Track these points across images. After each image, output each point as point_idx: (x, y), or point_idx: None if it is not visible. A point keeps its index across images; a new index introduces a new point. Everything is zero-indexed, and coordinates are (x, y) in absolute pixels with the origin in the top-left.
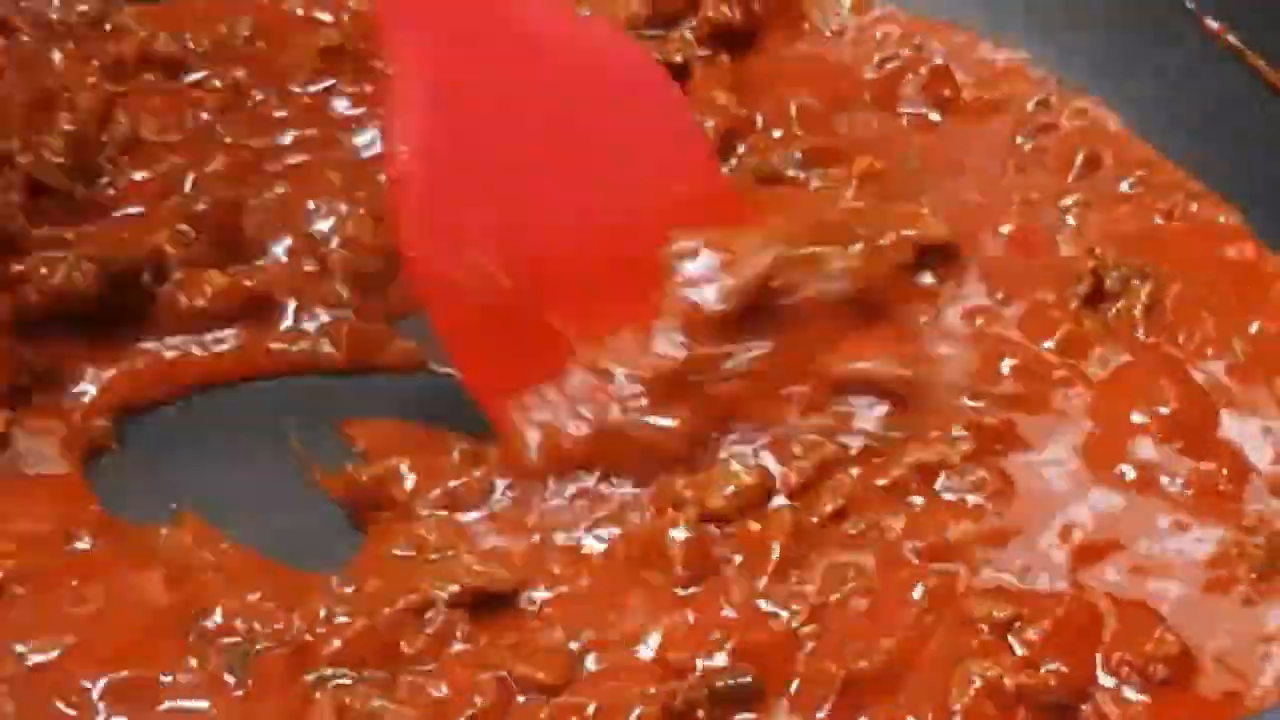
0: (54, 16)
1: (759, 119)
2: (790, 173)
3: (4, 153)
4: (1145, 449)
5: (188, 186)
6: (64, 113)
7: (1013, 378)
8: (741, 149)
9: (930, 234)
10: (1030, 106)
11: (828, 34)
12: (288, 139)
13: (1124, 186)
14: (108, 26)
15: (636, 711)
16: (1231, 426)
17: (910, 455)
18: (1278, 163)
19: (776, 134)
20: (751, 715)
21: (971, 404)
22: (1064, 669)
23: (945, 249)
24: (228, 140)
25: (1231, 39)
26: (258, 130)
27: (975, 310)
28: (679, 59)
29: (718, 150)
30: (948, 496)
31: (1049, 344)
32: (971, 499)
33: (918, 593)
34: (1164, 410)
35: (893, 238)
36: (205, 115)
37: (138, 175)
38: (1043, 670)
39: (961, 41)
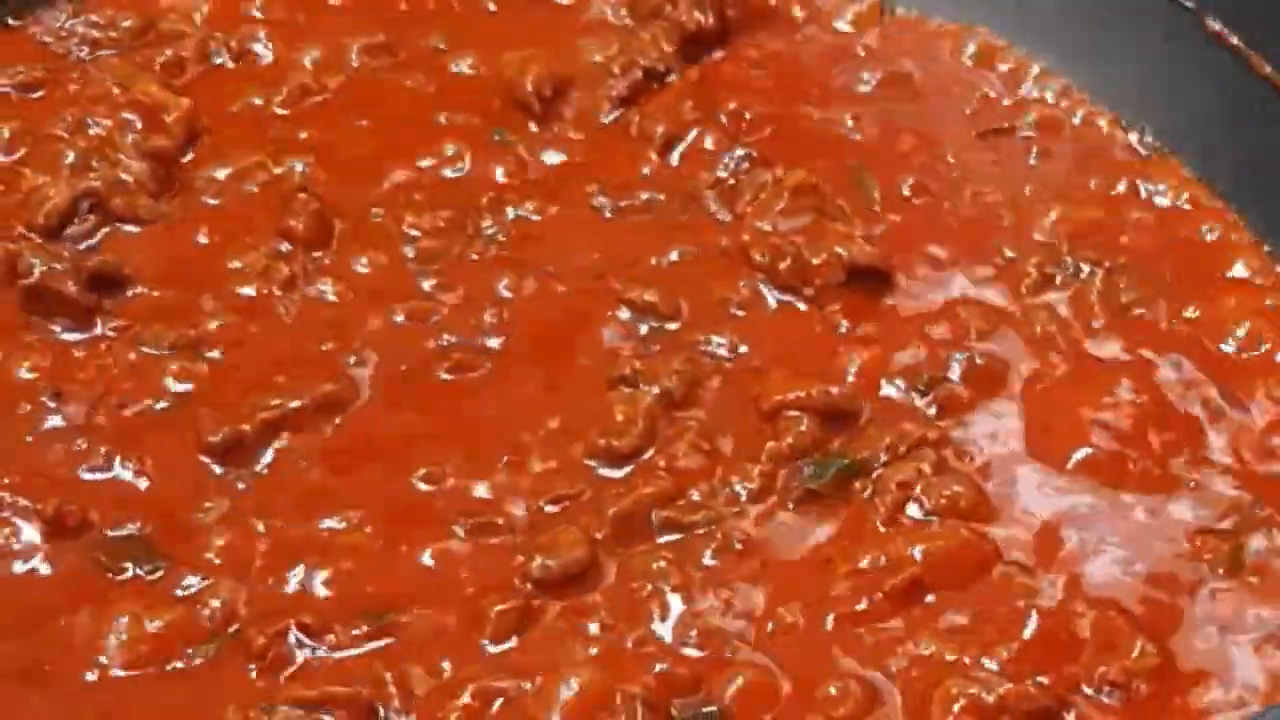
0: (97, 33)
1: (721, 119)
2: (722, 175)
3: (89, 190)
4: (1104, 444)
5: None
6: (151, 134)
7: (961, 376)
8: (680, 148)
9: (858, 258)
10: (997, 100)
11: (799, 35)
12: None
13: (1089, 180)
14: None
15: None
16: (1191, 420)
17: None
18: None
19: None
20: None
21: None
22: (1044, 680)
23: (874, 269)
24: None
25: (1234, 40)
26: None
27: (919, 309)
28: (660, 66)
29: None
30: (914, 514)
31: (992, 340)
32: (933, 517)
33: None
34: (1121, 404)
35: (822, 257)
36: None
37: (220, 174)
38: (1024, 683)
39: (942, 36)
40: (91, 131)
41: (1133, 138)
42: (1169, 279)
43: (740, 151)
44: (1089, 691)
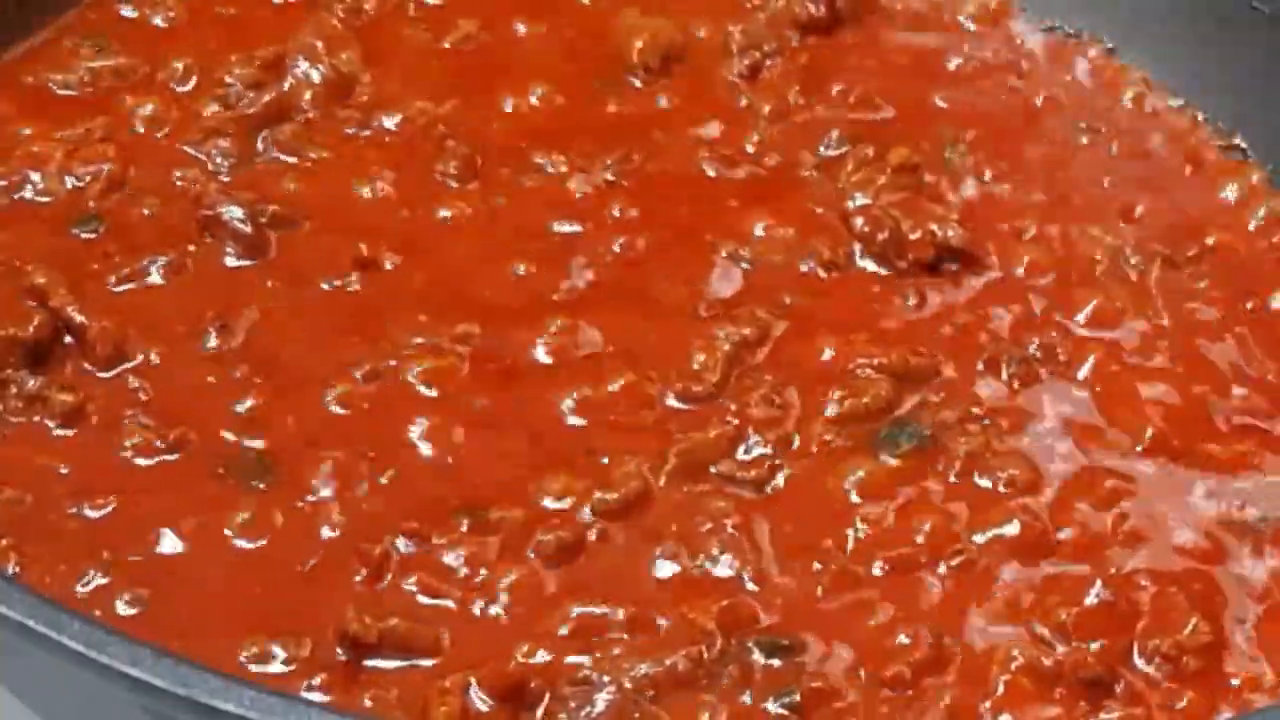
0: None
1: (828, 97)
2: (826, 152)
3: (268, 138)
4: (1170, 427)
5: None
6: (335, 97)
7: (1034, 356)
8: (785, 124)
9: (951, 239)
10: (1094, 100)
11: (906, 25)
12: None
13: (1172, 180)
14: None
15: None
16: (1256, 407)
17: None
18: None
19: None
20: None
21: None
22: (1100, 648)
23: (963, 251)
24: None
25: None
26: None
27: (1001, 289)
28: (773, 47)
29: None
30: (983, 484)
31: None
32: (1003, 487)
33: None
34: (1190, 391)
35: (918, 234)
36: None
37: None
38: (1080, 649)
39: (1050, 36)
40: (285, 86)
41: (1224, 145)
42: (1245, 277)
43: (843, 131)
44: (1140, 663)
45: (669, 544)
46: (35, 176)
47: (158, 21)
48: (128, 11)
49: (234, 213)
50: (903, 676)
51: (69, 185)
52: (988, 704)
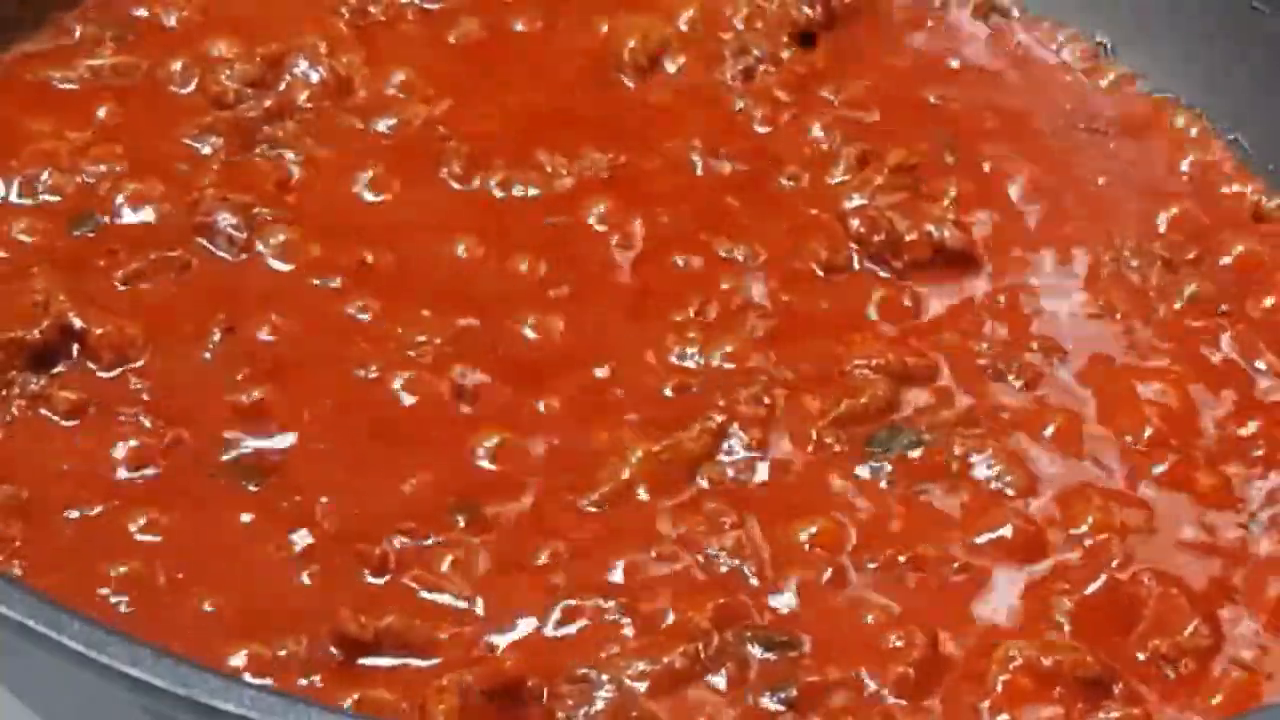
0: None
1: (821, 101)
2: (823, 150)
3: (267, 135)
4: (1166, 427)
5: None
6: (337, 97)
7: (1029, 358)
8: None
9: (949, 241)
10: (1092, 101)
11: (902, 26)
12: None
13: (1170, 180)
14: None
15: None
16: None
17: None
18: None
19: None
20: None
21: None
22: (1099, 648)
23: (960, 252)
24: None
25: None
26: None
27: (996, 290)
28: (766, 50)
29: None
30: (981, 486)
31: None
32: (1002, 488)
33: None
34: (1186, 391)
35: (914, 235)
36: None
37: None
38: (1080, 649)
39: (1048, 37)
40: (282, 86)
41: (1225, 145)
42: (1244, 278)
43: (838, 132)
44: (1141, 657)
45: (666, 542)
46: (44, 174)
47: (162, 20)
48: (132, 10)
49: (227, 219)
50: (901, 674)
51: (77, 182)
52: (986, 703)
